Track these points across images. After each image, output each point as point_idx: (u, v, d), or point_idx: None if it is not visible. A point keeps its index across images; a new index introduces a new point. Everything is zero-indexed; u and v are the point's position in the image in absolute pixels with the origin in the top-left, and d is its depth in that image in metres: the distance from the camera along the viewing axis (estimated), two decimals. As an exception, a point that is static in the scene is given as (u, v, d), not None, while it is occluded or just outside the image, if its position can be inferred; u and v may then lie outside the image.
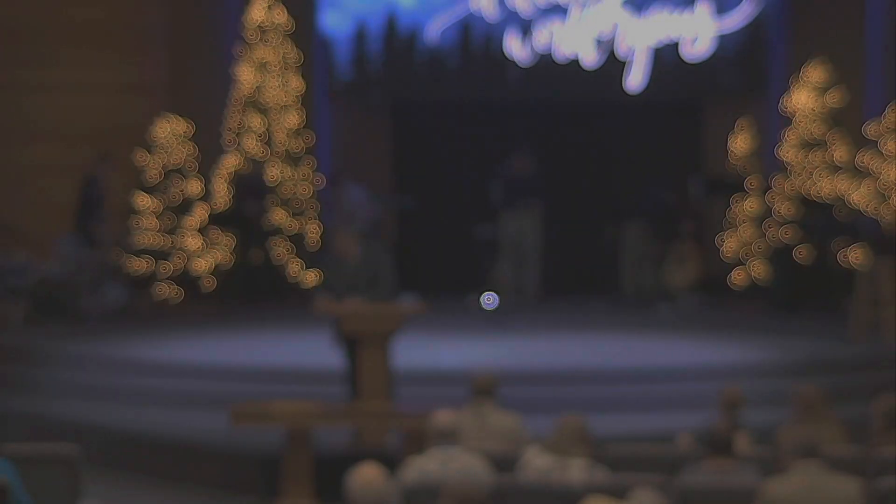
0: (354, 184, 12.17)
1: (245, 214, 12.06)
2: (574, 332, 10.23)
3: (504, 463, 5.39)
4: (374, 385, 7.08)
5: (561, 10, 12.41)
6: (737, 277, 11.92)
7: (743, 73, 12.50)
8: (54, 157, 12.09)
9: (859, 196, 11.53)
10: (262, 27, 12.22)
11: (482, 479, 5.03)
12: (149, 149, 11.89)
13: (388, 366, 7.19)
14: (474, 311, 11.00)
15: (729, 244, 11.98)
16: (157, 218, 11.88)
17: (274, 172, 12.21)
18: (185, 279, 11.80)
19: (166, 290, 11.76)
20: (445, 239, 12.60)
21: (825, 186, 11.69)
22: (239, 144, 12.19)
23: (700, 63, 12.40)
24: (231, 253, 12.02)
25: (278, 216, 12.15)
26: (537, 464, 5.17)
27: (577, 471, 5.09)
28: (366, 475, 4.09)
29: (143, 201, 11.88)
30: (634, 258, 12.00)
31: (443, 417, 5.27)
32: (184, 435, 7.63)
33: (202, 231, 11.95)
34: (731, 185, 12.02)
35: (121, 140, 11.94)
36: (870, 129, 11.65)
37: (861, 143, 11.72)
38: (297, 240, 12.16)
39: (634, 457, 5.58)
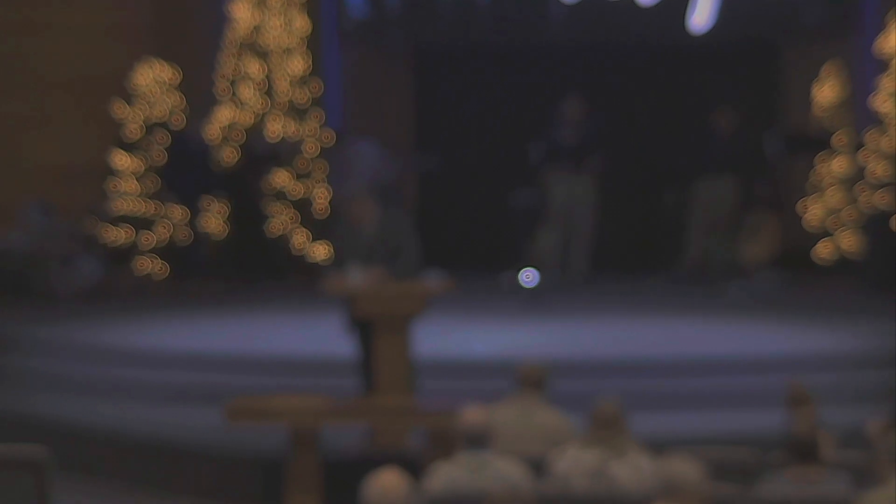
0: (366, 140, 12.14)
1: (242, 176, 12.08)
2: (629, 316, 10.21)
3: (546, 469, 5.36)
4: (392, 377, 7.09)
5: (613, -65, 12.28)
6: (823, 250, 11.88)
7: (830, 9, 12.36)
8: (21, 109, 12.10)
9: (968, 153, 11.41)
10: (261, -43, 12.20)
11: (520, 488, 4.99)
12: (128, 100, 11.88)
13: (409, 354, 7.19)
14: (510, 291, 10.97)
15: (813, 211, 11.94)
16: (137, 180, 11.90)
17: (276, 127, 12.21)
18: (172, 252, 11.81)
19: (149, 265, 11.79)
20: (476, 206, 12.60)
21: (928, 142, 11.58)
22: (234, 94, 12.18)
23: (779, -4, 12.30)
24: (225, 222, 12.03)
25: (281, 179, 12.15)
26: (580, 465, 5.14)
27: (624, 468, 5.09)
28: (384, 483, 4.11)
29: (122, 161, 11.90)
30: (703, 227, 11.88)
31: (473, 416, 5.25)
32: (171, 435, 7.65)
33: (191, 196, 12.01)
34: (816, 142, 11.98)
35: (96, 89, 11.97)
36: (980, 74, 11.50)
37: (971, 90, 11.56)
38: (303, 206, 12.17)
39: (703, 462, 5.51)
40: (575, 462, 5.24)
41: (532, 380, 6.11)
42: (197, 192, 11.82)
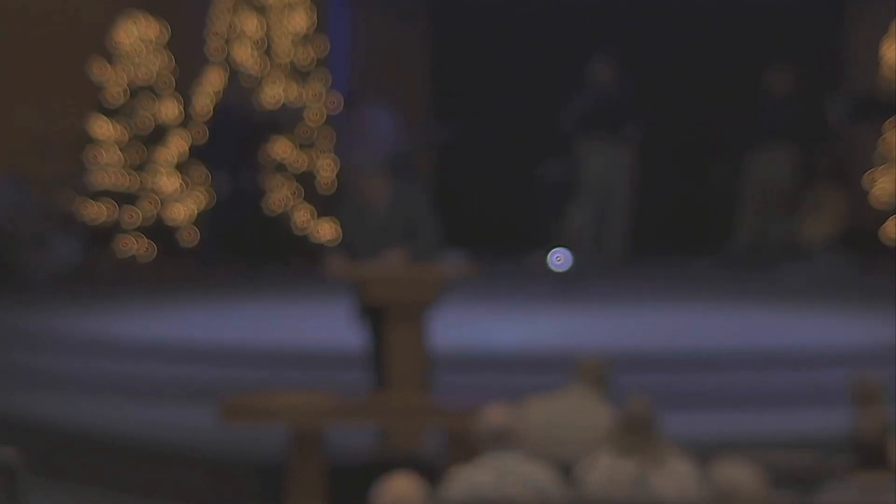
0: (378, 107, 12.13)
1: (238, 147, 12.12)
2: (672, 304, 10.23)
3: (577, 476, 5.35)
4: (406, 371, 7.11)
5: None
6: (892, 230, 11.87)
7: (901, -42, 12.32)
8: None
9: None
10: None
11: (550, 495, 4.98)
12: (110, 59, 11.91)
13: (424, 346, 7.19)
14: (539, 275, 10.97)
15: (881, 185, 11.94)
16: (120, 151, 11.93)
17: (275, 92, 12.22)
18: (159, 231, 11.84)
19: (134, 245, 11.82)
20: (501, 180, 12.62)
21: None
22: (228, 55, 12.20)
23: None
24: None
25: (281, 149, 12.17)
26: (615, 478, 5.15)
27: (666, 479, 5.09)
28: (397, 489, 4.15)
29: (103, 129, 11.93)
30: (756, 203, 11.87)
31: (496, 415, 5.24)
32: (160, 435, 7.68)
33: (180, 168, 12.00)
34: (884, 107, 11.97)
35: (74, 48, 11.98)
36: None
37: None
38: (306, 180, 12.19)
39: (759, 467, 5.50)
40: (609, 474, 5.22)
41: (592, 375, 6.11)
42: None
